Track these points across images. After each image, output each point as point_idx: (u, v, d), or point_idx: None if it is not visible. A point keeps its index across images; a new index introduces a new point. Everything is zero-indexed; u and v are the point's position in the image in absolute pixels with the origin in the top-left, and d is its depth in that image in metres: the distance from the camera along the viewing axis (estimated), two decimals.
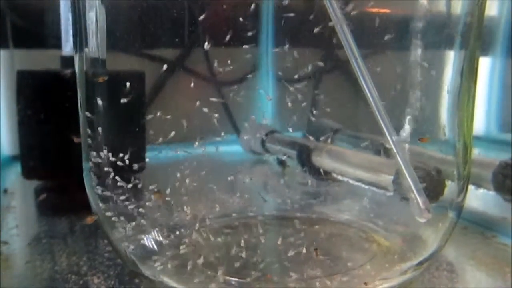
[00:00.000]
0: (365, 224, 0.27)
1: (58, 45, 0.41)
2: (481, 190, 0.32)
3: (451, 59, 0.24)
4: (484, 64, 0.50)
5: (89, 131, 0.25)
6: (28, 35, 0.51)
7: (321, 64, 0.27)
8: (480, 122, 0.51)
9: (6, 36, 0.51)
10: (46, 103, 0.36)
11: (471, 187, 0.32)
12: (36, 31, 0.51)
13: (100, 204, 0.25)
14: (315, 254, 0.22)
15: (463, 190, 0.24)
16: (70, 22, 0.39)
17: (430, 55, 0.25)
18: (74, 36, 0.26)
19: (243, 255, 0.24)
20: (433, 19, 0.25)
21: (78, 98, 0.26)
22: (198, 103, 0.25)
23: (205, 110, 0.25)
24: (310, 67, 0.26)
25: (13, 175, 0.45)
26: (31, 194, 0.39)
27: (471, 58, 0.24)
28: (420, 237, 0.24)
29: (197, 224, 0.26)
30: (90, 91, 0.25)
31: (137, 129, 0.26)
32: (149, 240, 0.25)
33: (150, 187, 0.25)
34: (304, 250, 0.24)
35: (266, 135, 0.37)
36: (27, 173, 0.37)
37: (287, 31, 0.25)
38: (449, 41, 0.24)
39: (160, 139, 0.25)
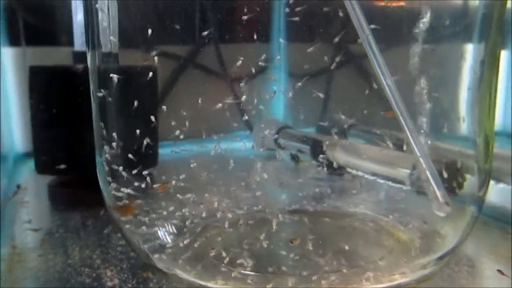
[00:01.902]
0: (383, 219, 0.27)
1: (69, 42, 0.42)
2: (501, 185, 0.31)
3: (471, 51, 0.24)
4: (502, 57, 0.49)
5: (102, 125, 0.25)
6: (40, 32, 0.51)
7: (334, 59, 0.26)
8: (498, 117, 0.50)
9: (18, 34, 0.51)
10: (59, 98, 0.36)
11: (491, 182, 0.32)
12: (48, 29, 0.51)
13: (113, 198, 0.25)
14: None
15: (484, 185, 0.24)
16: (81, 18, 0.39)
17: (448, 48, 0.25)
18: (86, 31, 0.26)
19: (257, 248, 0.24)
20: (451, 11, 0.24)
21: (91, 93, 0.26)
22: (210, 99, 0.25)
23: (217, 106, 0.25)
24: (323, 62, 0.26)
25: (26, 171, 0.45)
26: (43, 189, 0.39)
27: (492, 51, 0.24)
28: (440, 232, 0.23)
29: (211, 218, 0.25)
30: (103, 85, 0.25)
31: (149, 124, 0.26)
32: (163, 233, 0.25)
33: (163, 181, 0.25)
34: (320, 245, 0.23)
35: (279, 130, 0.36)
36: (40, 168, 0.37)
37: (299, 26, 0.25)
38: (468, 33, 0.24)
39: (173, 135, 0.25)
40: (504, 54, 0.48)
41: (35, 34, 0.51)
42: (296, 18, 0.24)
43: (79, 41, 0.39)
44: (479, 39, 0.23)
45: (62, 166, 0.35)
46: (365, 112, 0.27)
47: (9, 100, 0.51)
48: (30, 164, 0.45)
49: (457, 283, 0.23)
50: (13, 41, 0.51)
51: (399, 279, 0.21)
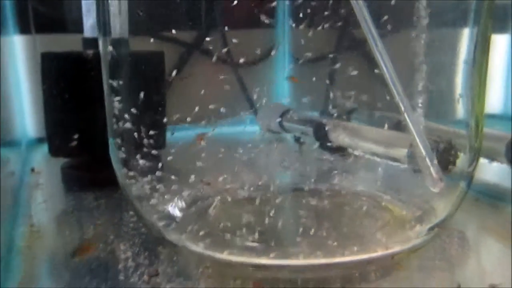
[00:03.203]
0: (381, 196, 0.28)
1: (77, 29, 0.43)
2: (495, 164, 0.33)
3: (465, 36, 0.25)
4: (502, 42, 0.49)
5: (114, 109, 0.26)
6: (49, 20, 0.52)
7: (337, 43, 0.27)
8: (498, 100, 0.51)
9: (28, 21, 0.52)
10: (70, 83, 0.37)
11: (485, 161, 0.33)
12: (57, 16, 0.52)
13: (126, 177, 0.26)
14: None
15: (473, 161, 0.25)
16: (91, 5, 0.40)
17: (444, 33, 0.25)
18: (98, 18, 0.27)
19: (261, 223, 0.25)
20: None
21: (103, 79, 0.27)
22: (215, 83, 0.26)
23: (224, 90, 0.26)
24: (326, 47, 0.27)
25: (39, 155, 0.47)
26: (57, 172, 0.40)
27: (483, 36, 0.24)
28: (432, 205, 0.25)
29: (219, 195, 0.27)
30: (114, 71, 0.26)
31: (158, 108, 0.27)
32: (173, 208, 0.26)
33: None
34: (320, 218, 0.25)
35: (283, 114, 0.37)
36: (54, 151, 0.38)
37: (304, 11, 0.26)
38: (463, 18, 0.25)
39: (181, 118, 0.26)
40: (505, 38, 0.49)
41: (45, 22, 0.52)
42: (301, 3, 0.25)
43: (88, 28, 0.40)
44: (473, 24, 0.24)
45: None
46: (367, 96, 0.28)
47: (20, 87, 0.52)
48: (42, 148, 0.47)
49: (447, 253, 0.24)
50: (23, 29, 0.52)
51: (393, 249, 0.22)
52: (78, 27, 0.42)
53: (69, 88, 0.37)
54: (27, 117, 0.53)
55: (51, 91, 0.38)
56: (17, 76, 0.52)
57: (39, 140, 0.51)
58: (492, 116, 0.48)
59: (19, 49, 0.52)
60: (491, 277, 0.22)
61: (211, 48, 0.26)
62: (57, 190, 0.38)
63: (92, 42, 0.39)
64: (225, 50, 0.26)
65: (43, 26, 0.52)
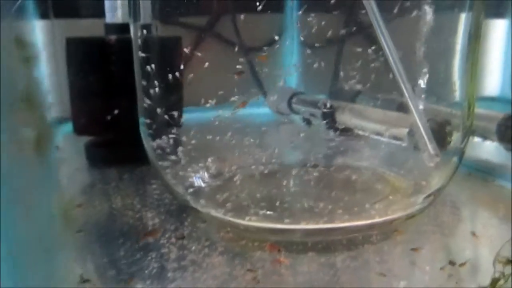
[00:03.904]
0: (383, 171, 0.31)
1: (94, 15, 0.45)
2: (487, 142, 0.35)
3: (462, 23, 0.26)
4: (500, 26, 0.51)
5: (144, 91, 0.28)
6: (68, 5, 0.54)
7: (344, 28, 0.29)
8: (496, 84, 0.52)
9: (47, 6, 0.54)
10: (94, 66, 0.39)
11: (478, 139, 0.35)
12: (75, 2, 0.54)
13: (154, 152, 0.29)
14: None
15: (465, 138, 0.27)
16: None
17: (443, 19, 0.27)
18: (129, 4, 0.29)
19: (276, 194, 0.28)
20: None
21: (134, 62, 0.29)
22: (228, 67, 0.28)
23: (234, 74, 0.28)
24: (333, 32, 0.28)
25: (60, 134, 0.50)
26: (80, 150, 0.43)
27: (476, 22, 0.26)
28: (428, 177, 0.27)
29: (237, 170, 0.29)
30: (145, 55, 0.28)
31: (176, 89, 0.29)
32: (197, 179, 0.29)
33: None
34: (327, 191, 0.28)
35: (292, 96, 0.39)
36: (79, 130, 0.41)
37: None
38: (460, 3, 0.26)
39: (195, 100, 0.28)
40: (503, 23, 0.51)
41: (63, 7, 0.54)
42: None
43: (110, 14, 0.42)
44: (468, 9, 0.26)
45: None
46: (372, 79, 0.30)
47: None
48: (63, 128, 0.49)
49: (439, 219, 0.27)
50: (43, 15, 0.54)
51: (391, 215, 0.25)
52: (94, 12, 0.45)
53: (93, 71, 0.39)
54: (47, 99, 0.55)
55: (76, 74, 0.40)
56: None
57: (59, 121, 0.53)
58: (492, 99, 0.50)
59: (38, 33, 0.54)
60: (476, 234, 0.25)
61: (222, 32, 0.28)
62: (83, 166, 0.41)
63: (113, 28, 0.41)
64: (235, 34, 0.28)
65: (61, 11, 0.54)
